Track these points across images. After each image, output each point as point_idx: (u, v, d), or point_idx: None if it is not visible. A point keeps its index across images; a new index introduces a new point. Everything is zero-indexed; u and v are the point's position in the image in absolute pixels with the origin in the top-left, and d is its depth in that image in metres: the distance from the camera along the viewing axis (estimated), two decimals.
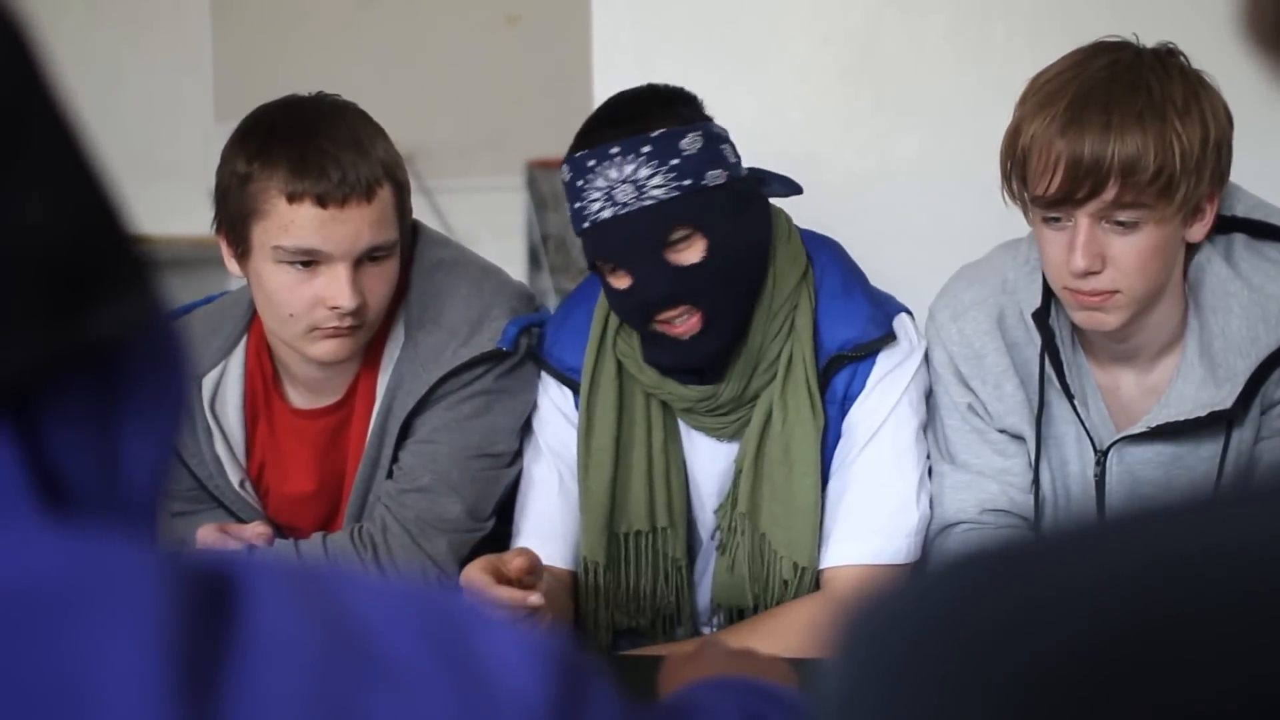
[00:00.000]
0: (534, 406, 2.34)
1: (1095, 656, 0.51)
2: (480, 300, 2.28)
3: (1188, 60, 2.04)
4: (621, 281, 2.15)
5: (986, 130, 2.18)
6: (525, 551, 1.97)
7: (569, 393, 2.32)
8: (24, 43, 0.72)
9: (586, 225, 2.13)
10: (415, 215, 2.31)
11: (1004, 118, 2.09)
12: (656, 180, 2.09)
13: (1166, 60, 2.02)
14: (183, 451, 2.32)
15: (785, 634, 2.12)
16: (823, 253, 2.28)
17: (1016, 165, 2.04)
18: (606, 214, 2.10)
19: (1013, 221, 2.18)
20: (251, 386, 2.34)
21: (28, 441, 0.69)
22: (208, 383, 2.32)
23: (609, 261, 2.14)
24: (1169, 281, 2.09)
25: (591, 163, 2.11)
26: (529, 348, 2.32)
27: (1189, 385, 2.11)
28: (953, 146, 2.84)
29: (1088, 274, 2.02)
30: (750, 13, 2.90)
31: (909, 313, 2.29)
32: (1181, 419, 2.10)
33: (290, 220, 2.11)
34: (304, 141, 2.11)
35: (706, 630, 2.32)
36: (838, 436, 2.23)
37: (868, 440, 2.21)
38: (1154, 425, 2.12)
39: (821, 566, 2.21)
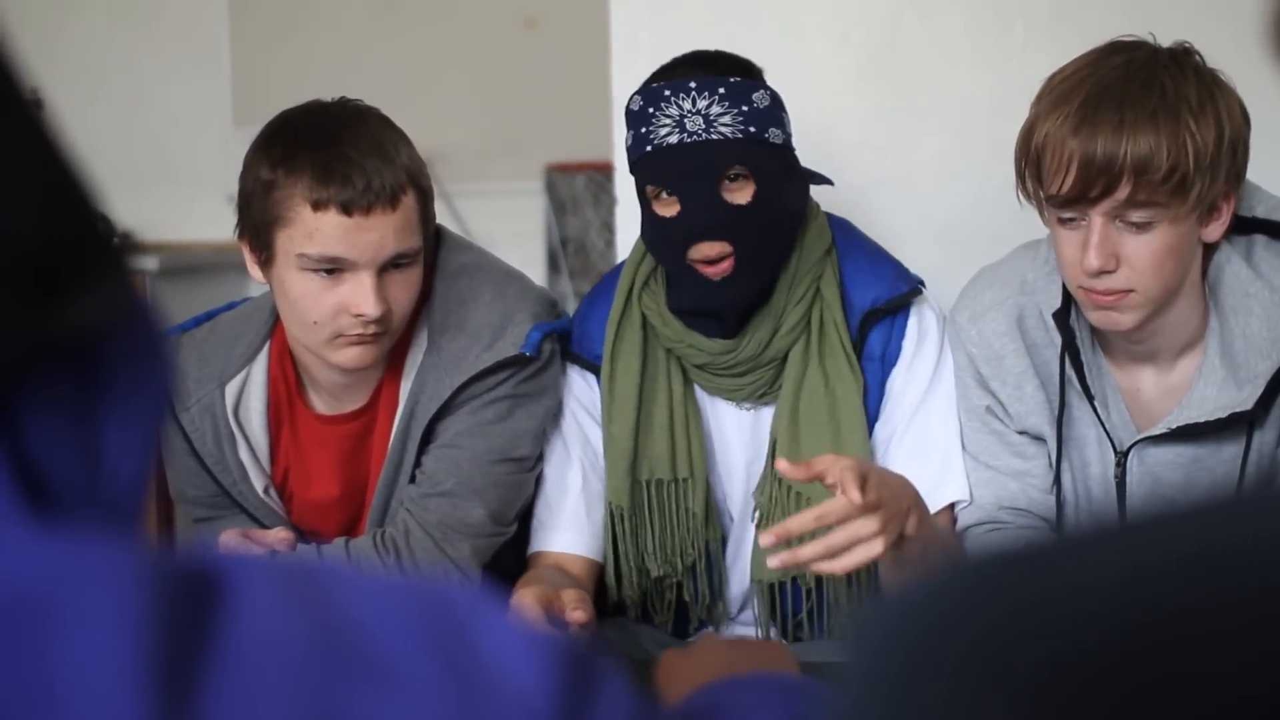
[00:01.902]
0: (557, 410, 2.36)
1: (1109, 655, 0.51)
2: (503, 305, 2.29)
3: (1203, 59, 2.03)
4: (669, 209, 2.21)
5: (1005, 130, 2.18)
6: (583, 597, 2.05)
7: (594, 384, 2.36)
8: None
9: (649, 149, 2.20)
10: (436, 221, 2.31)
11: (1022, 118, 2.09)
12: (725, 119, 2.18)
13: (1181, 59, 2.02)
14: (206, 458, 2.32)
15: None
16: (843, 230, 2.37)
17: (1031, 164, 2.05)
18: (673, 139, 2.19)
19: (1031, 222, 2.18)
20: (275, 393, 2.34)
21: (7, 438, 0.67)
22: (231, 389, 2.32)
23: (664, 185, 2.20)
24: (1185, 281, 2.08)
25: (667, 93, 2.19)
26: (552, 352, 2.33)
27: (1210, 386, 2.10)
28: (972, 147, 2.84)
29: (1102, 273, 2.02)
30: (769, 13, 2.90)
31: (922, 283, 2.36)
32: (1202, 420, 2.10)
33: (315, 228, 2.11)
34: (328, 148, 2.11)
35: (747, 616, 2.35)
36: (879, 395, 2.29)
37: (916, 406, 2.27)
38: (1175, 426, 2.12)
39: None
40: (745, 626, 2.38)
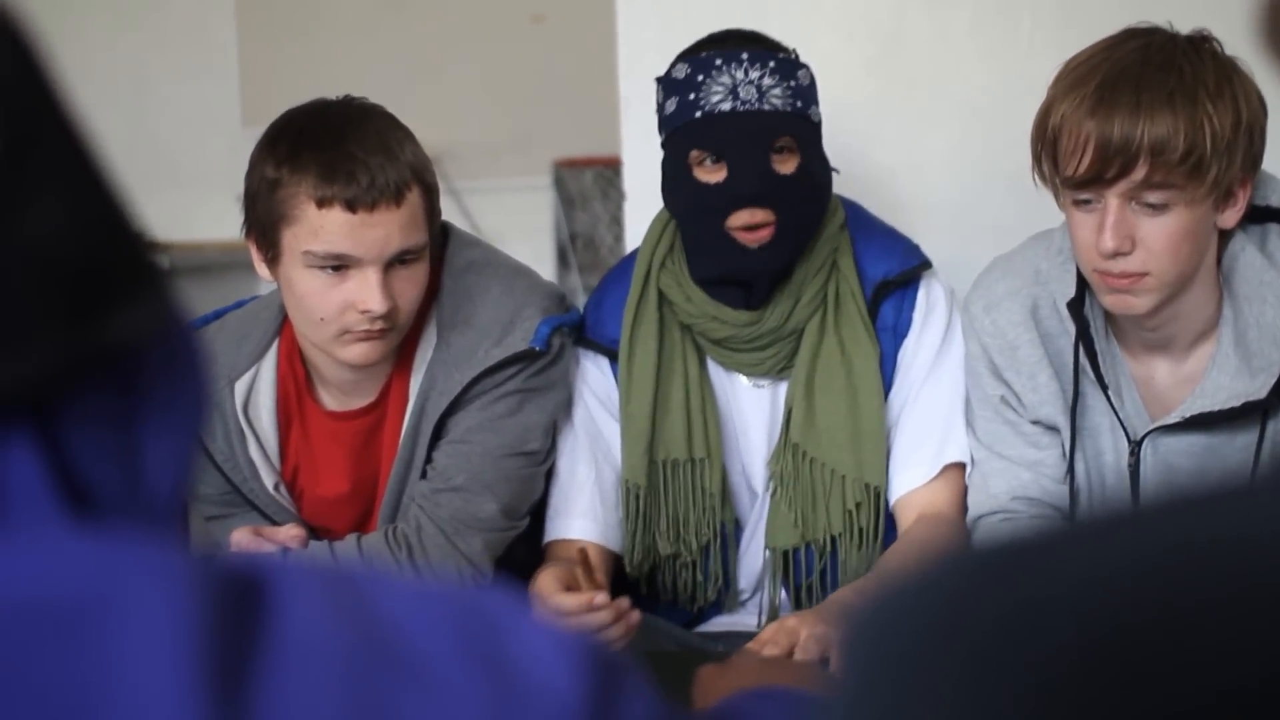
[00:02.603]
0: (567, 403, 2.36)
1: (1111, 647, 0.50)
2: (512, 300, 2.29)
3: (1221, 46, 2.03)
4: (715, 175, 2.23)
5: (1012, 124, 2.17)
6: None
7: (608, 370, 2.38)
8: (28, 48, 0.71)
9: (699, 115, 2.22)
10: (443, 216, 2.31)
11: (1029, 110, 2.08)
12: (777, 91, 2.23)
13: (1199, 45, 2.02)
14: (216, 455, 2.33)
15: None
16: (852, 209, 2.41)
17: (1047, 146, 2.04)
18: (726, 106, 2.21)
19: (1040, 213, 2.18)
20: (284, 390, 2.35)
21: (50, 448, 0.68)
22: (240, 387, 2.33)
23: (714, 150, 2.22)
24: (1200, 267, 2.08)
25: (719, 62, 2.23)
26: (561, 346, 2.33)
27: (1224, 375, 2.10)
28: (979, 140, 2.83)
29: (1117, 255, 2.02)
30: (775, 9, 2.89)
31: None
32: (1216, 409, 2.09)
33: (320, 225, 2.11)
34: (333, 146, 2.11)
35: (753, 606, 2.37)
36: (893, 364, 2.33)
37: (925, 376, 2.32)
38: (1188, 415, 2.11)
39: (895, 496, 2.31)
40: (750, 615, 2.39)
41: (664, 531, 2.34)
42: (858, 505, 2.28)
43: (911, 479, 2.30)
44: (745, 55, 2.22)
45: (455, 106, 5.44)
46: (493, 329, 2.27)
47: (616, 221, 5.12)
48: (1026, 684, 0.51)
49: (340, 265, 2.13)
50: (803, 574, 2.32)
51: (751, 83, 2.21)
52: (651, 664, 2.14)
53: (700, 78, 2.23)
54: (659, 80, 2.30)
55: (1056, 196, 2.08)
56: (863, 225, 2.38)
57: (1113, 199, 2.00)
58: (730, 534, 2.36)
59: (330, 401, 2.35)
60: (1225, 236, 2.11)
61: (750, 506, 2.38)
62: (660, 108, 2.29)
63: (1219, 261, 2.12)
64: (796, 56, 2.29)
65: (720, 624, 2.41)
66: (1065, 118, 2.00)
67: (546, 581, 2.08)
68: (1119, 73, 1.98)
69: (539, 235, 5.41)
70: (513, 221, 5.30)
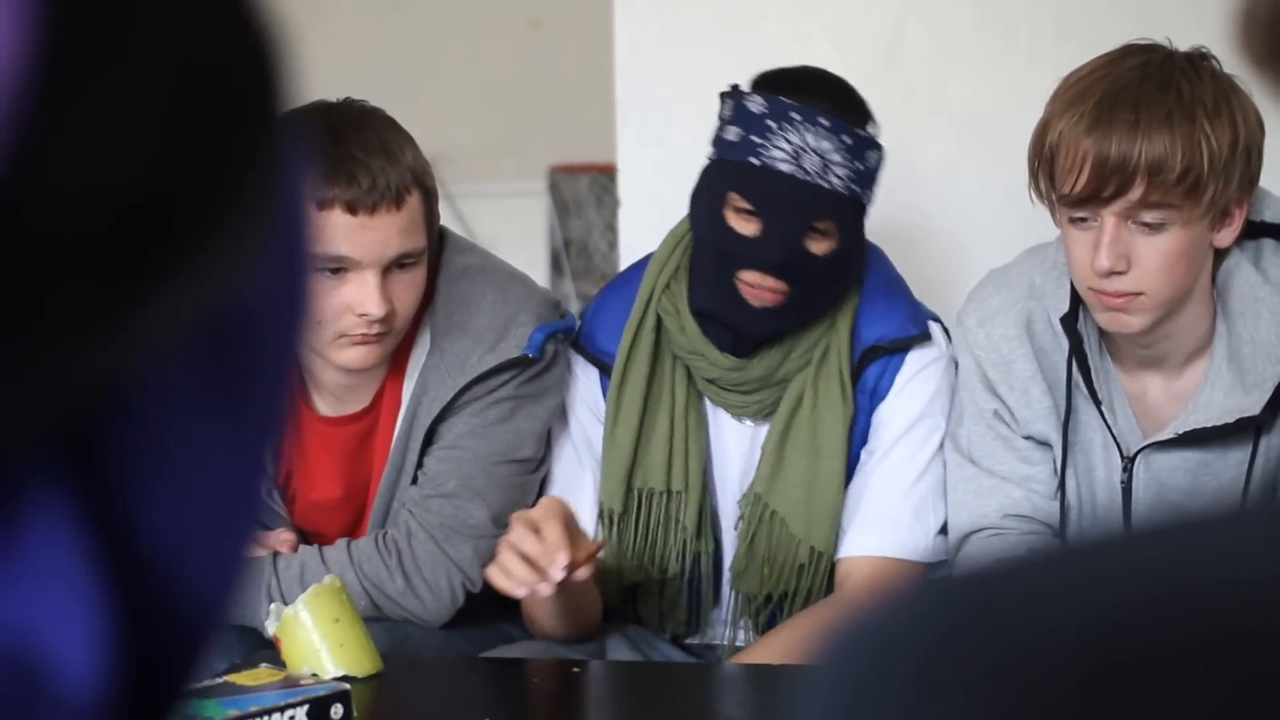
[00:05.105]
0: (560, 411, 2.35)
1: (1100, 683, 0.50)
2: (506, 307, 2.29)
3: (1219, 64, 2.03)
4: (745, 225, 2.16)
5: (1010, 135, 2.17)
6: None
7: (596, 382, 2.35)
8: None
9: (755, 162, 2.15)
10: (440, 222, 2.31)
11: (1028, 123, 2.08)
12: (841, 171, 2.15)
13: (1198, 63, 2.02)
14: None
15: (803, 646, 2.13)
16: (874, 260, 2.34)
17: (1044, 163, 2.04)
18: (784, 168, 2.14)
19: (1037, 226, 2.17)
20: None
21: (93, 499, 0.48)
22: None
23: (754, 205, 2.15)
24: (1195, 286, 2.08)
25: (796, 116, 2.14)
26: (555, 353, 2.33)
27: (1217, 391, 2.10)
28: (977, 152, 2.83)
29: (1112, 274, 2.02)
30: (773, 17, 2.89)
31: (940, 322, 2.32)
32: (1209, 425, 2.09)
33: (320, 227, 2.11)
34: (333, 148, 2.11)
35: (739, 632, 2.34)
36: (865, 428, 2.27)
37: (896, 439, 2.25)
38: (1181, 432, 2.11)
39: (840, 555, 2.25)
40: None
41: (630, 559, 2.31)
42: (801, 566, 2.24)
43: (858, 544, 2.25)
44: (824, 122, 2.14)
45: (451, 111, 5.44)
46: (486, 335, 2.27)
47: (611, 228, 5.12)
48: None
49: (339, 268, 2.13)
50: (765, 617, 2.30)
51: (819, 153, 2.13)
52: (650, 672, 2.13)
53: (771, 123, 2.15)
54: (733, 92, 2.22)
55: (1053, 213, 2.08)
56: (875, 283, 2.31)
57: (1109, 218, 2.00)
58: (708, 565, 2.32)
59: (324, 406, 2.34)
60: (1220, 254, 2.11)
61: (722, 538, 2.36)
62: (722, 122, 2.21)
63: (1213, 278, 2.12)
64: (876, 133, 2.22)
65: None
66: (1063, 135, 2.00)
67: (556, 509, 2.03)
68: (1118, 91, 1.98)
69: (533, 241, 5.40)
70: (507, 227, 5.29)
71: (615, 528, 2.30)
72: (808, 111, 2.14)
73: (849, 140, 2.16)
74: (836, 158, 2.14)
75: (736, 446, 2.33)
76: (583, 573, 2.00)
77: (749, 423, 2.32)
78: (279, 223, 0.50)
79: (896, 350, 2.27)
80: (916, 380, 2.27)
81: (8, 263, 0.42)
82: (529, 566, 1.97)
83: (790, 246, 2.15)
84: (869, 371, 2.27)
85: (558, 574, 1.97)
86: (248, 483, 0.53)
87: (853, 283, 2.28)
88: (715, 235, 2.19)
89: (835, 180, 2.15)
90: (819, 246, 2.17)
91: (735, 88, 2.22)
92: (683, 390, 2.31)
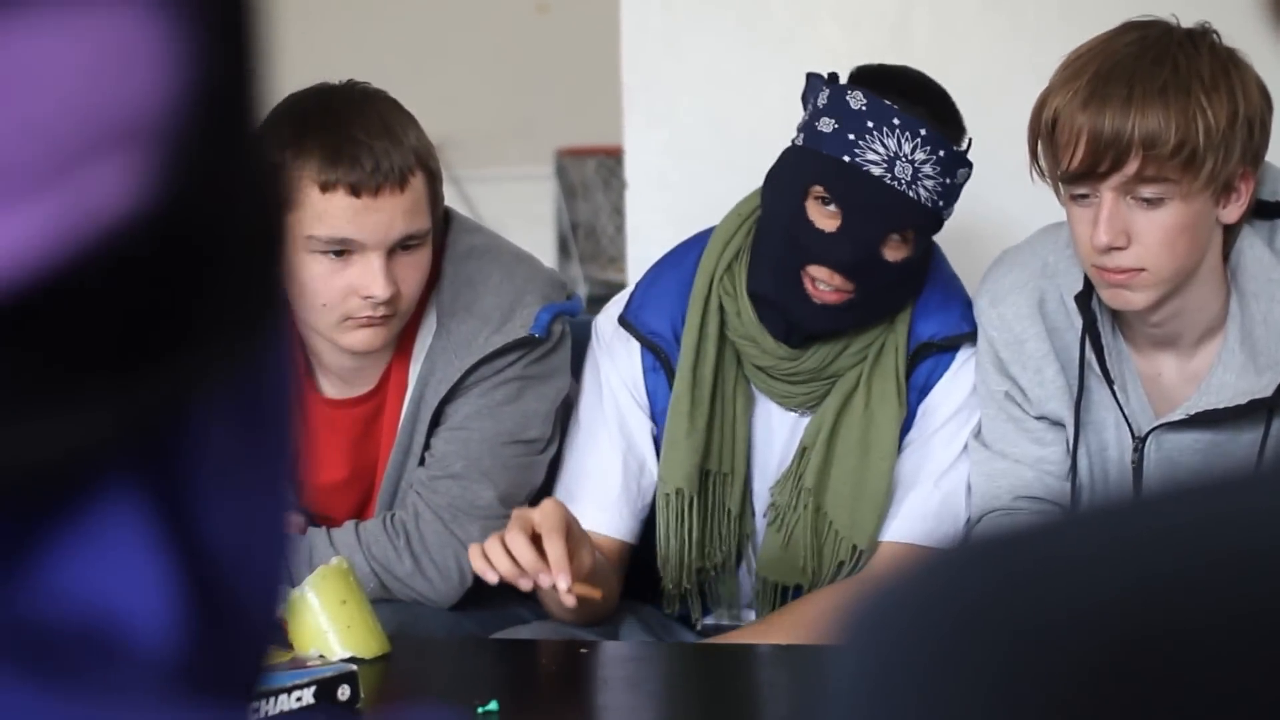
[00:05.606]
0: (567, 391, 2.34)
1: (1115, 671, 0.49)
2: (513, 287, 2.28)
3: (1220, 38, 2.02)
4: (823, 220, 2.15)
5: (1017, 115, 2.16)
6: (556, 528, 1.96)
7: (639, 362, 2.31)
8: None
9: (847, 160, 2.13)
10: (445, 204, 2.31)
11: (1033, 101, 2.08)
12: (929, 184, 2.14)
13: (1197, 38, 2.01)
14: None
15: (814, 622, 2.13)
16: (934, 258, 2.33)
17: (1043, 141, 2.04)
18: (876, 170, 2.12)
19: (1045, 205, 2.17)
20: None
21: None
22: None
23: (839, 204, 2.14)
24: (1200, 263, 2.07)
25: (896, 121, 2.13)
26: (561, 334, 2.32)
27: (1229, 373, 2.09)
28: (986, 130, 2.81)
29: (1112, 250, 2.01)
30: None
31: None
32: (1222, 406, 2.09)
33: (323, 210, 2.11)
34: (336, 130, 2.11)
35: (750, 615, 2.34)
36: (911, 421, 2.28)
37: (935, 430, 2.26)
38: (1193, 412, 2.10)
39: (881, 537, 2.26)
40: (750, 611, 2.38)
41: (695, 543, 2.28)
42: (841, 563, 2.24)
43: (889, 529, 2.25)
44: (923, 131, 2.12)
45: (458, 94, 5.43)
46: (493, 316, 2.27)
47: (618, 211, 5.11)
48: (1032, 710, 0.50)
49: (343, 250, 2.13)
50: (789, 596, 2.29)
51: (912, 162, 2.12)
52: (669, 652, 2.12)
53: (870, 124, 2.13)
54: (831, 80, 2.19)
55: (1056, 192, 2.08)
56: (934, 280, 2.30)
57: (1107, 193, 2.00)
58: (746, 550, 2.32)
59: (330, 389, 2.34)
60: (1232, 232, 2.10)
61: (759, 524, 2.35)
62: (816, 108, 2.18)
63: (1225, 258, 2.11)
64: (969, 148, 2.21)
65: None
66: (1059, 111, 2.00)
67: (558, 517, 1.96)
68: (1113, 66, 1.98)
69: (540, 224, 5.40)
70: (514, 210, 5.29)
71: (691, 512, 2.26)
72: (910, 120, 2.13)
73: (944, 154, 2.15)
74: (928, 170, 2.13)
75: (779, 435, 2.32)
76: (570, 599, 1.95)
77: (793, 412, 2.31)
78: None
79: (949, 348, 2.27)
80: (961, 373, 2.27)
81: (154, 293, 0.50)
82: (513, 564, 1.93)
83: (866, 250, 2.14)
84: (921, 368, 2.27)
85: (570, 600, 1.94)
86: (278, 485, 0.62)
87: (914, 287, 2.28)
88: (791, 223, 2.17)
89: (923, 192, 2.14)
90: (893, 254, 2.16)
91: (833, 76, 2.21)
92: (732, 372, 2.29)
